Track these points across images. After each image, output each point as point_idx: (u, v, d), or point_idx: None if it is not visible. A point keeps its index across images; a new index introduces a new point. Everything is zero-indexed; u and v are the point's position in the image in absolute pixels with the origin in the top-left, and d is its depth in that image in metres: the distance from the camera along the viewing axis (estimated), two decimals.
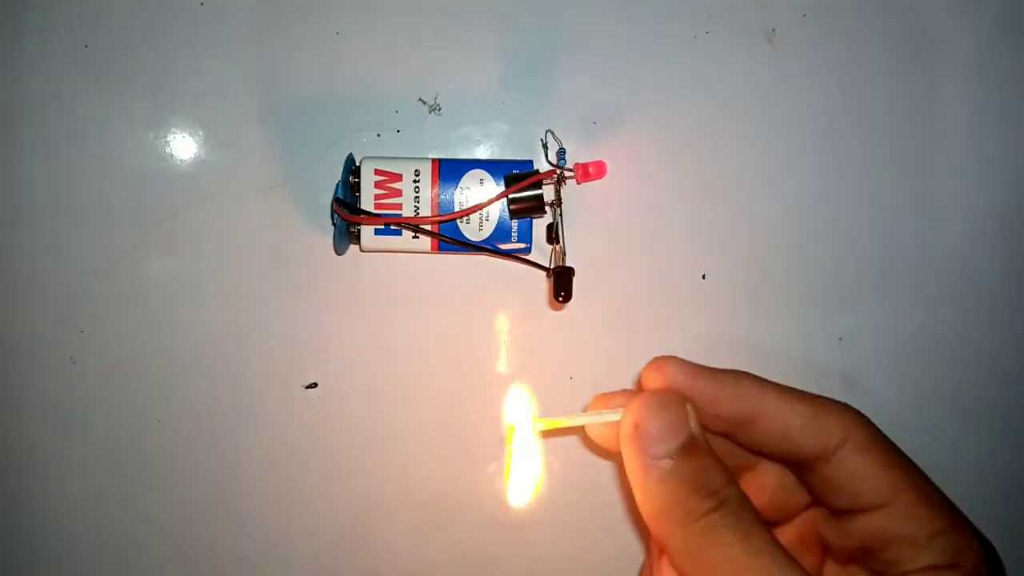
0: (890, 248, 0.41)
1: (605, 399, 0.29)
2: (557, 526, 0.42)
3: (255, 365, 0.41)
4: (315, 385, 0.41)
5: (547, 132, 0.38)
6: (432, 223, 0.37)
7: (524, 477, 0.28)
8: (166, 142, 0.39)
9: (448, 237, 0.37)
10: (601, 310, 0.40)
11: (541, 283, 0.40)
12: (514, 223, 0.37)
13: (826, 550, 0.28)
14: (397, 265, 0.40)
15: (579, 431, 0.31)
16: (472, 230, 0.37)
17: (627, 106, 0.39)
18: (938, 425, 0.42)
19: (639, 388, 0.28)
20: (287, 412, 0.41)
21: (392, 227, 0.37)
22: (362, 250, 0.38)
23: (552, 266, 0.37)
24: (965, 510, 0.26)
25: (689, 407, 0.25)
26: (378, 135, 0.39)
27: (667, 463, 0.24)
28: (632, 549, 0.42)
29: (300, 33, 0.39)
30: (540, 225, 0.38)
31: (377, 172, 0.37)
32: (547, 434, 0.28)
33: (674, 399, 0.26)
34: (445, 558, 0.42)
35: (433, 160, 0.37)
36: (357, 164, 0.37)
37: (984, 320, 0.41)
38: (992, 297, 0.41)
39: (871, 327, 0.41)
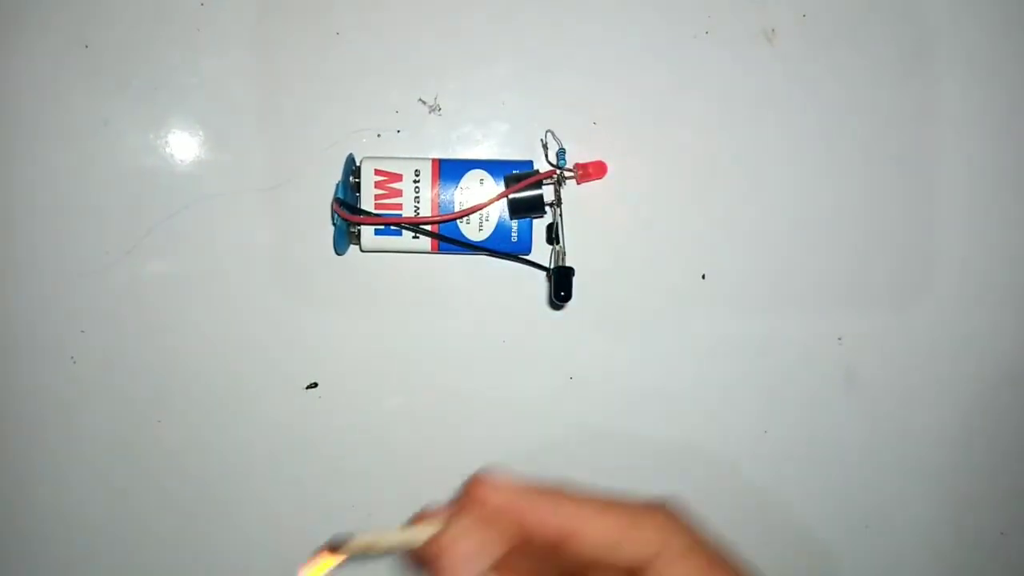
0: (890, 248, 0.41)
1: (426, 516, 0.27)
2: None
3: (255, 364, 0.41)
4: (315, 385, 0.41)
5: (547, 132, 0.38)
6: (432, 223, 0.37)
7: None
8: (166, 142, 0.39)
9: (448, 237, 0.37)
10: (601, 310, 0.40)
11: (541, 283, 0.40)
12: (514, 223, 0.37)
13: None
14: (397, 265, 0.40)
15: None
16: (472, 230, 0.37)
17: (627, 106, 0.40)
18: (937, 425, 0.42)
19: (462, 502, 0.27)
20: (287, 411, 0.41)
21: (392, 227, 0.37)
22: (362, 250, 0.38)
23: (552, 266, 0.37)
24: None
25: (497, 529, 0.25)
26: (378, 135, 0.39)
27: None
28: None
29: (300, 33, 0.39)
30: (540, 225, 0.38)
31: (377, 172, 0.37)
32: (361, 553, 0.26)
33: (480, 522, 0.25)
34: None
35: (433, 160, 0.37)
36: (357, 164, 0.38)
37: (984, 320, 0.41)
38: (992, 297, 0.41)
39: (870, 327, 0.41)
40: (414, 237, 0.37)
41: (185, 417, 0.41)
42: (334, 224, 0.37)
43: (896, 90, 0.40)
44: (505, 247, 0.37)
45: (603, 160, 0.38)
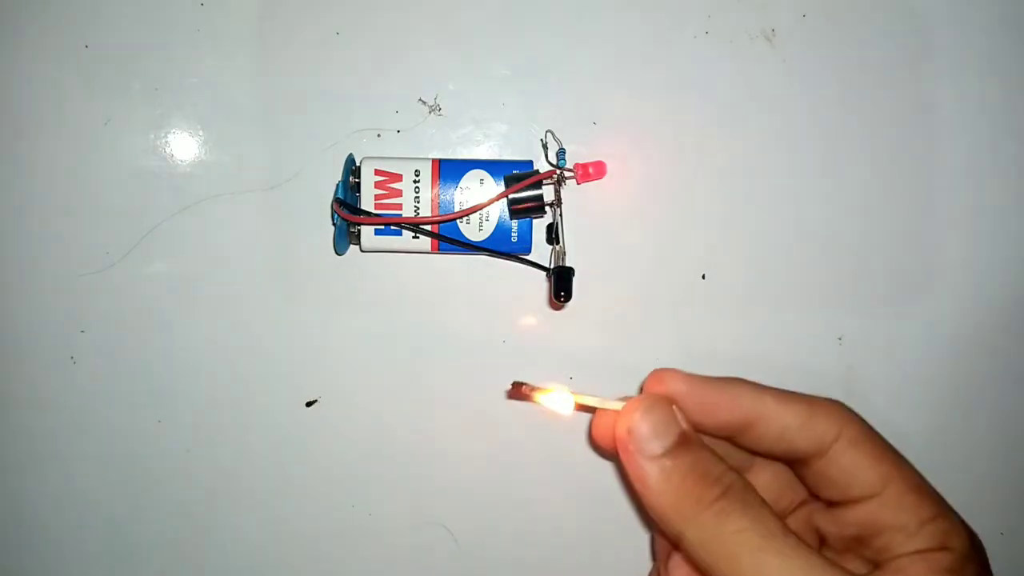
0: (890, 248, 0.41)
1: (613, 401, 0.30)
2: (564, 533, 0.42)
3: (254, 364, 0.41)
4: (314, 402, 0.41)
5: (547, 132, 0.38)
6: (432, 223, 0.37)
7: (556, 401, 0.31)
8: (166, 142, 0.39)
9: (448, 237, 0.37)
10: (601, 310, 0.40)
11: (541, 283, 0.40)
12: (514, 223, 0.37)
13: (822, 541, 0.29)
14: (397, 265, 0.40)
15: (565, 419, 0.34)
16: (472, 230, 0.37)
17: (627, 106, 0.40)
18: (938, 426, 0.42)
19: (644, 391, 0.29)
20: (287, 411, 0.41)
21: (392, 227, 0.37)
22: (362, 250, 0.38)
23: (552, 266, 0.37)
24: (965, 510, 0.27)
25: (675, 407, 0.27)
26: (378, 135, 0.39)
27: (666, 461, 0.25)
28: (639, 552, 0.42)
29: (300, 33, 0.39)
30: (540, 225, 0.38)
31: (377, 172, 0.37)
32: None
33: (659, 400, 0.27)
34: (448, 563, 0.42)
35: (433, 160, 0.37)
36: (357, 164, 0.38)
37: (984, 319, 0.41)
38: (992, 296, 0.41)
39: (871, 327, 0.41)
40: (414, 237, 0.37)
41: (185, 417, 0.41)
42: (334, 224, 0.37)
43: (896, 90, 0.40)
44: (505, 247, 0.37)
45: (603, 160, 0.38)
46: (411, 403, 0.41)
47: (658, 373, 0.28)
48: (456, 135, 0.39)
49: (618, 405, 0.28)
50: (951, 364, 0.42)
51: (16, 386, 0.41)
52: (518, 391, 0.30)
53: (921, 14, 0.40)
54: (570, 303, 0.37)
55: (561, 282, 0.36)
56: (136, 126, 0.39)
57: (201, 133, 0.39)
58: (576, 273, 0.37)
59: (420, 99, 0.39)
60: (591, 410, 0.30)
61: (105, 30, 0.39)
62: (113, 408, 0.41)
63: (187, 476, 0.41)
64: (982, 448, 0.42)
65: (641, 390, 0.29)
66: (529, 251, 0.38)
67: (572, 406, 0.30)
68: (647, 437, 0.26)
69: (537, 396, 0.30)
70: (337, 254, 0.39)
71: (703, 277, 0.40)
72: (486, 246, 0.37)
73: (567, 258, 0.37)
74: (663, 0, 0.39)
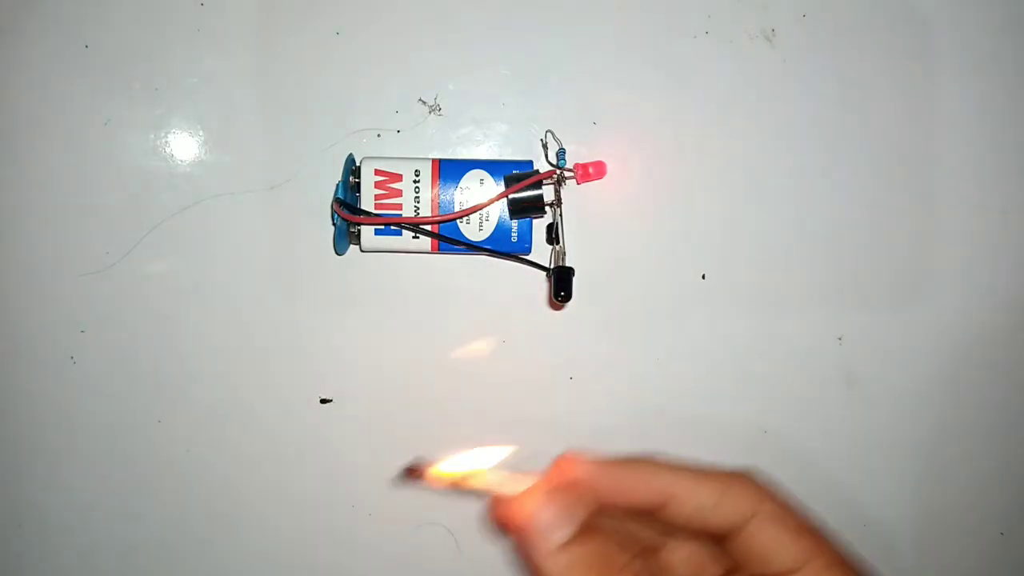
0: (890, 248, 0.41)
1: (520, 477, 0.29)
2: None
3: (254, 364, 0.41)
4: (328, 401, 0.41)
5: (547, 132, 0.38)
6: (432, 223, 0.37)
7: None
8: (166, 142, 0.39)
9: (448, 237, 0.37)
10: (601, 310, 0.40)
11: (541, 283, 0.40)
12: (514, 223, 0.37)
13: None
14: (397, 265, 0.40)
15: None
16: (472, 230, 0.37)
17: (627, 106, 0.40)
18: (938, 426, 0.42)
19: (549, 475, 0.28)
20: (286, 411, 0.41)
21: (392, 227, 0.37)
22: (362, 250, 0.38)
23: (552, 266, 0.37)
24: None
25: (577, 493, 0.26)
26: (378, 135, 0.39)
27: (569, 551, 0.25)
28: None
29: (300, 33, 0.39)
30: (540, 225, 0.38)
31: (377, 172, 0.37)
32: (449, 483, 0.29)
33: (561, 487, 0.26)
34: (448, 563, 0.42)
35: (433, 160, 0.37)
36: (357, 164, 0.38)
37: (984, 319, 0.41)
38: (992, 296, 0.41)
39: (871, 327, 0.41)
40: (414, 237, 0.37)
41: (185, 417, 0.41)
42: (334, 224, 0.37)
43: (896, 90, 0.40)
44: (505, 247, 0.37)
45: (603, 160, 0.38)
46: (410, 402, 0.41)
47: (565, 458, 0.27)
48: (456, 135, 0.39)
49: (520, 487, 0.26)
50: (951, 364, 0.42)
51: (16, 386, 0.41)
52: (413, 475, 0.29)
53: (921, 14, 0.40)
54: (570, 303, 0.37)
55: (561, 282, 0.36)
56: (136, 126, 0.39)
57: (201, 133, 0.39)
58: (576, 273, 0.37)
59: (420, 99, 0.39)
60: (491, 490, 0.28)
61: (105, 30, 0.39)
62: (113, 408, 0.41)
63: (187, 476, 0.41)
64: (982, 448, 0.42)
65: (550, 467, 0.28)
66: (529, 251, 0.38)
67: (490, 482, 0.28)
68: (549, 526, 0.25)
69: (435, 474, 0.29)
70: (337, 254, 0.39)
71: (703, 277, 0.40)
72: (486, 246, 0.37)
73: (567, 258, 0.37)
74: (663, 0, 0.39)
